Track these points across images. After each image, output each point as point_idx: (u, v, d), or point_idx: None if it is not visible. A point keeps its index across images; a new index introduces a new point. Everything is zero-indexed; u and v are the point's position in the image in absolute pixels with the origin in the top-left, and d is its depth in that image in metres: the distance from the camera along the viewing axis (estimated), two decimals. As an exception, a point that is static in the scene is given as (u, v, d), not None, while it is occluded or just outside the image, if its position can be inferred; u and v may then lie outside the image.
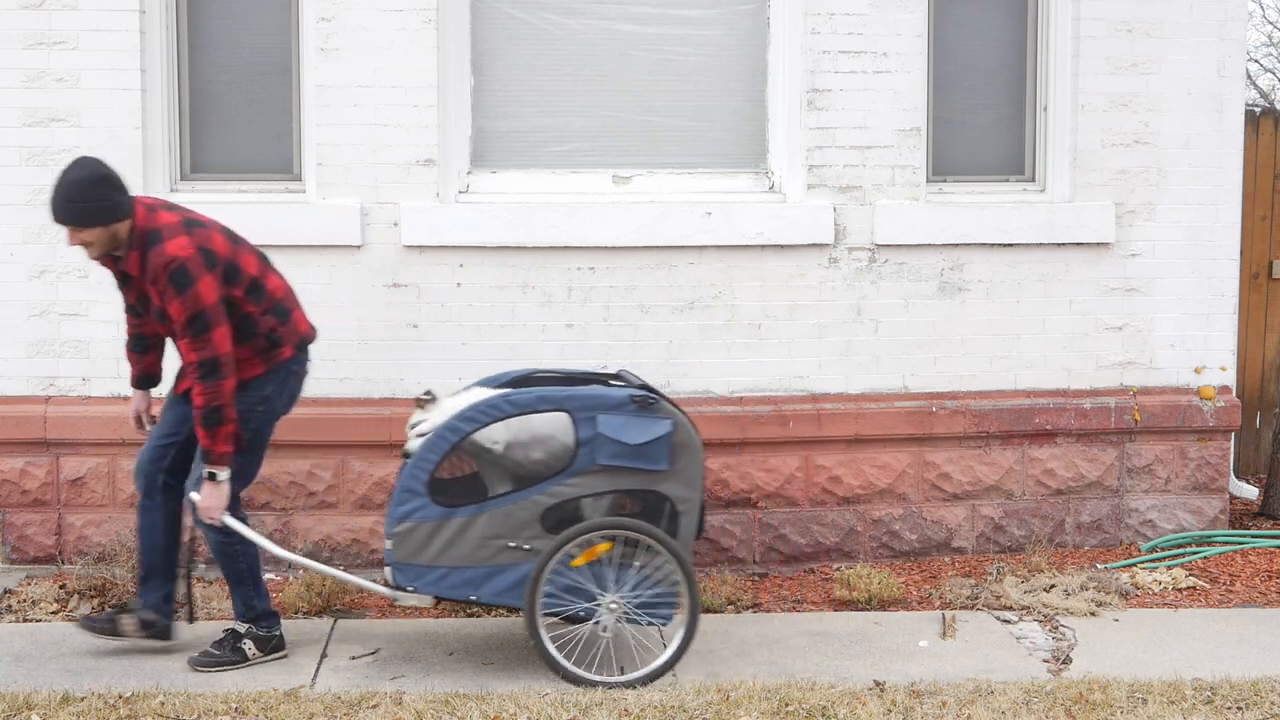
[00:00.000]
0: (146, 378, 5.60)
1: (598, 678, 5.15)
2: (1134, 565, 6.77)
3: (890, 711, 4.84)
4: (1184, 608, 6.22)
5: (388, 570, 5.25)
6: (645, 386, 5.43)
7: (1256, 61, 21.87)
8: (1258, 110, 8.27)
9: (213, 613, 5.89)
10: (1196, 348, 7.12)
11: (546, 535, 5.18)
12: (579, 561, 5.16)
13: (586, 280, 6.68)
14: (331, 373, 6.53)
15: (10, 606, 5.97)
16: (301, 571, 6.12)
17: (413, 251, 6.58)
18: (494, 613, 5.97)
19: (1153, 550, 6.98)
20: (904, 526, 6.87)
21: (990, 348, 6.95)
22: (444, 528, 5.16)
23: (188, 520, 5.39)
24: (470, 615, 5.98)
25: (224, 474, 5.12)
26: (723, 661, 5.46)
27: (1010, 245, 6.92)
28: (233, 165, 6.67)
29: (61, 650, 5.46)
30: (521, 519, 5.18)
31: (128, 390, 5.82)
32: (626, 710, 4.81)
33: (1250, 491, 7.58)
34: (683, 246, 6.70)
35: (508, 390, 5.34)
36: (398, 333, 6.59)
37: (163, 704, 4.82)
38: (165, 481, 5.36)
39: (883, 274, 6.84)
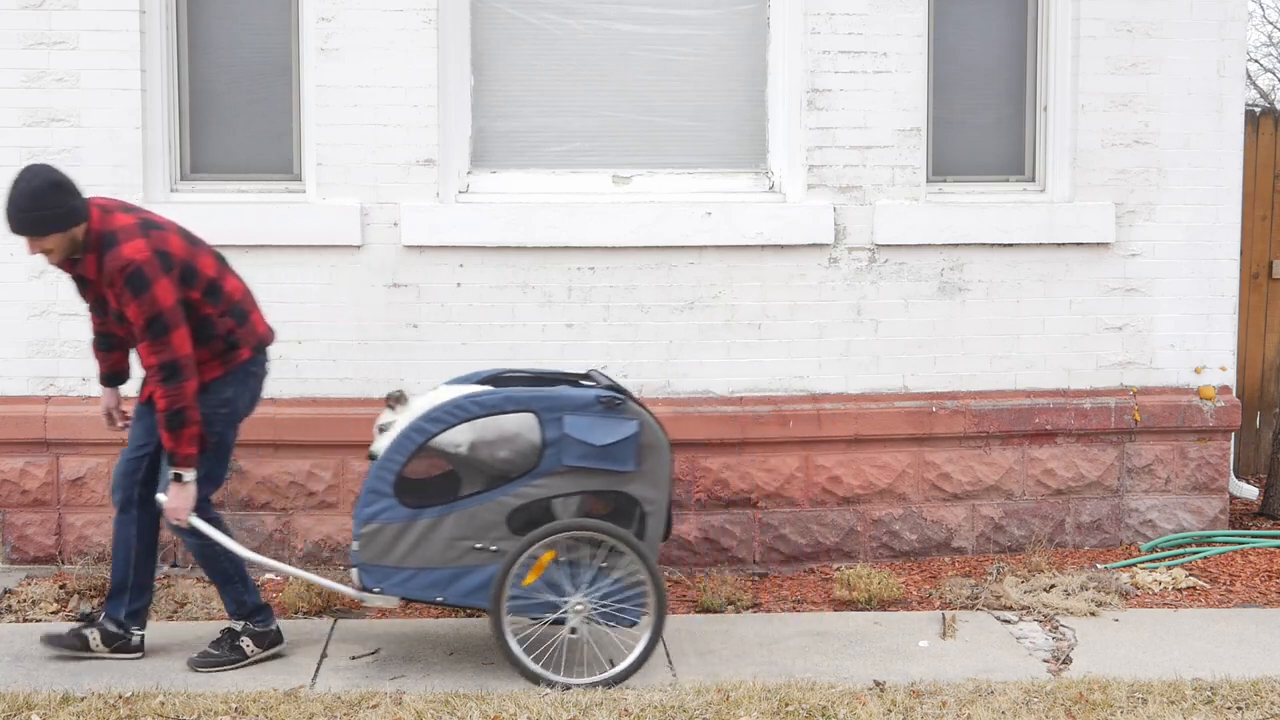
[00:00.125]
0: (114, 375, 5.57)
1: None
2: (1134, 565, 6.77)
3: (890, 711, 4.84)
4: (1184, 608, 6.22)
5: (354, 571, 5.23)
6: (614, 386, 5.38)
7: (1256, 61, 21.87)
8: (1258, 110, 8.26)
9: (213, 613, 5.88)
10: (1196, 348, 7.11)
11: (513, 536, 5.15)
12: (529, 580, 5.11)
13: (586, 280, 6.68)
14: (332, 373, 6.53)
15: (10, 606, 5.97)
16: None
17: (413, 251, 6.59)
18: (458, 613, 5.95)
19: (1153, 550, 6.98)
20: (904, 526, 6.87)
21: (990, 348, 6.95)
22: (410, 529, 5.13)
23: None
24: (470, 615, 5.98)
25: (189, 475, 5.11)
26: (723, 661, 5.46)
27: (1010, 245, 6.92)
28: (233, 165, 6.67)
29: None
30: (488, 520, 5.15)
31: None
32: (626, 710, 4.80)
33: (1250, 491, 7.58)
34: (683, 246, 6.70)
35: (475, 391, 5.27)
36: (398, 333, 6.59)
37: (163, 704, 4.82)
38: (141, 494, 5.34)
39: (883, 274, 6.84)
